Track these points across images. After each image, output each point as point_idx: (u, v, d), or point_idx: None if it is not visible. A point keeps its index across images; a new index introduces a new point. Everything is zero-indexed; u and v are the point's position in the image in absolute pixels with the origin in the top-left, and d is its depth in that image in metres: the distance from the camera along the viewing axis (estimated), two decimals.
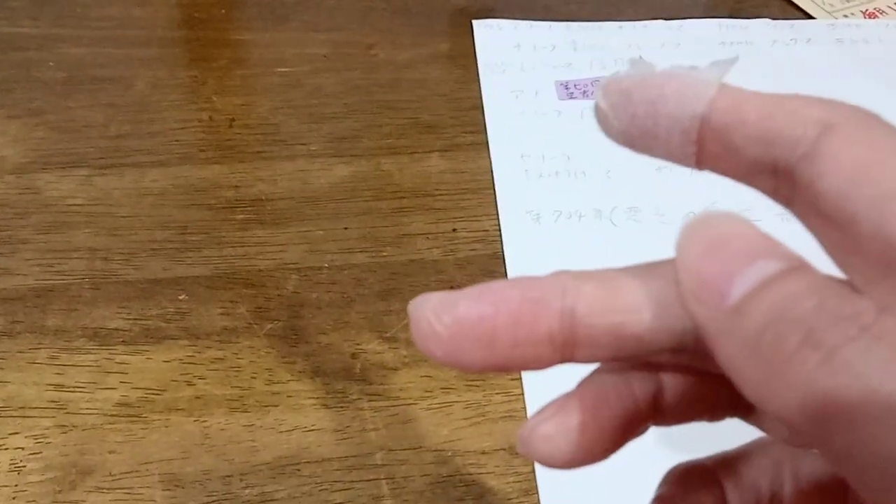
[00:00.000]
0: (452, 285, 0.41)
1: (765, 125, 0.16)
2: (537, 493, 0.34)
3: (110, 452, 0.34)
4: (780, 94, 0.16)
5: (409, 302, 0.17)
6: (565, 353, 0.17)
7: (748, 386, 0.14)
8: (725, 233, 0.15)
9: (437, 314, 0.16)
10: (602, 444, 0.17)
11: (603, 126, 0.18)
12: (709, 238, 0.15)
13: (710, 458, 0.20)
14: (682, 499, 0.20)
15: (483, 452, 0.35)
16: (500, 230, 0.43)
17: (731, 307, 0.14)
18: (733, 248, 0.15)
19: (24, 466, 0.34)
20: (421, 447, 0.35)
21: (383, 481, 0.34)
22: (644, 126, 0.17)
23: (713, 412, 0.19)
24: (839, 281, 0.15)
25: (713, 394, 0.18)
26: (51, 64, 0.51)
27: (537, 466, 0.34)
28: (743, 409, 0.19)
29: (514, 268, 0.42)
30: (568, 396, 0.18)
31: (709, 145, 0.17)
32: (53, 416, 0.35)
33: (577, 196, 0.45)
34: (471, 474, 0.34)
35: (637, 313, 0.16)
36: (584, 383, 0.18)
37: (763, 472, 0.20)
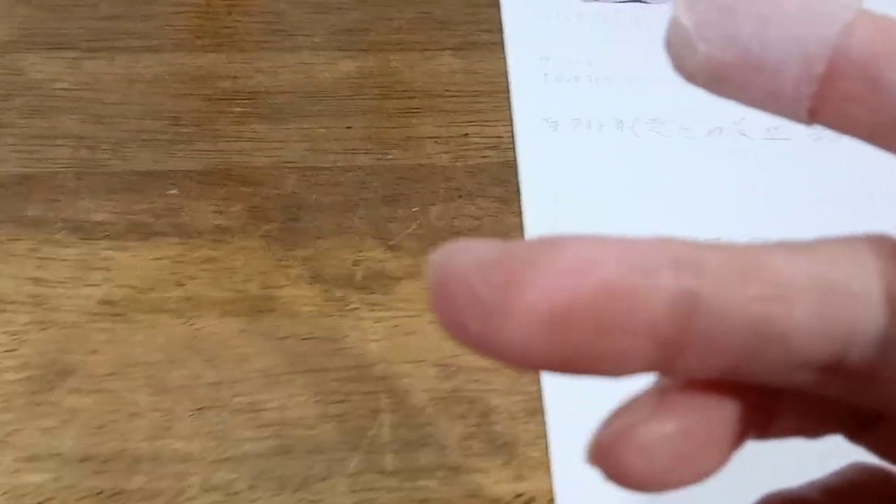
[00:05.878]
0: (461, 193, 0.38)
1: None
2: (543, 413, 0.32)
3: (92, 352, 0.32)
4: None
5: (431, 253, 0.12)
6: (667, 354, 0.12)
7: None
8: None
9: (484, 272, 0.11)
10: (710, 459, 0.13)
11: (678, 51, 0.13)
12: None
13: (808, 489, 0.15)
14: None
15: (488, 370, 0.33)
16: (514, 137, 0.40)
17: None
18: None
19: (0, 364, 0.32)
20: (423, 361, 0.33)
21: (382, 394, 0.32)
22: (746, 53, 0.13)
23: (818, 430, 0.15)
24: None
25: (833, 411, 0.14)
26: None
27: (545, 386, 0.32)
28: (855, 426, 0.15)
29: (527, 177, 0.39)
30: (667, 388, 0.13)
31: (839, 84, 0.13)
32: (32, 312, 0.33)
33: (597, 104, 0.42)
34: (474, 391, 0.32)
35: (790, 303, 0.12)
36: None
37: None
